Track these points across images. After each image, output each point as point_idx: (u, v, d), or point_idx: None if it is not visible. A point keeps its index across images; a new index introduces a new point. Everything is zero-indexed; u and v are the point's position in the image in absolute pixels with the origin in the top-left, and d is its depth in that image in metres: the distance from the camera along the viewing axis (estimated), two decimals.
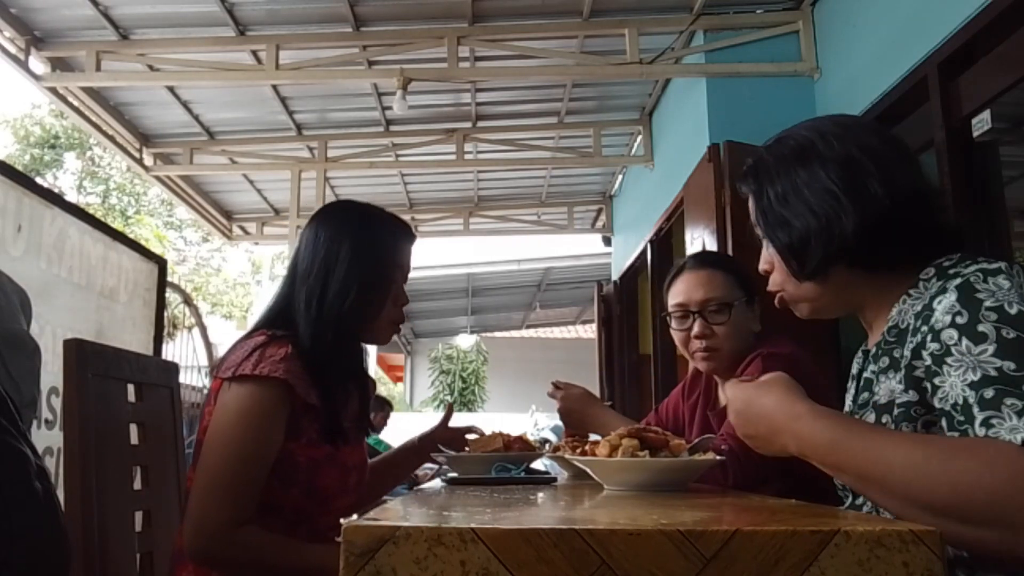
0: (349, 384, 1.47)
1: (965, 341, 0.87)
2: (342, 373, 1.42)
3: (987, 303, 0.88)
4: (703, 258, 1.80)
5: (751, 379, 1.03)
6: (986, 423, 0.83)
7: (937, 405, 0.91)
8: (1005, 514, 0.76)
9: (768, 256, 1.14)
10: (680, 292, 1.71)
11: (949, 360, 0.89)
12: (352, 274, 1.42)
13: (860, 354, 1.15)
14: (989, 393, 0.83)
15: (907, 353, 0.96)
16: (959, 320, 0.89)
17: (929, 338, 0.92)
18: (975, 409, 0.84)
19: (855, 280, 1.05)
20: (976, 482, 0.77)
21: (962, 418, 0.86)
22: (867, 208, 1.00)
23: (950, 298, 0.91)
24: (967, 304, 0.89)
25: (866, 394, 1.05)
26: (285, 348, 1.33)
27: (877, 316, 1.07)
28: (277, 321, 1.43)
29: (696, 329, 1.66)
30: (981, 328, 0.87)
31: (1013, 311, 0.86)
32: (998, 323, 0.86)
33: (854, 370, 1.16)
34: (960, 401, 0.87)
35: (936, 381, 0.91)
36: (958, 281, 0.91)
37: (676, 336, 1.72)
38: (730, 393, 1.04)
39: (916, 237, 1.01)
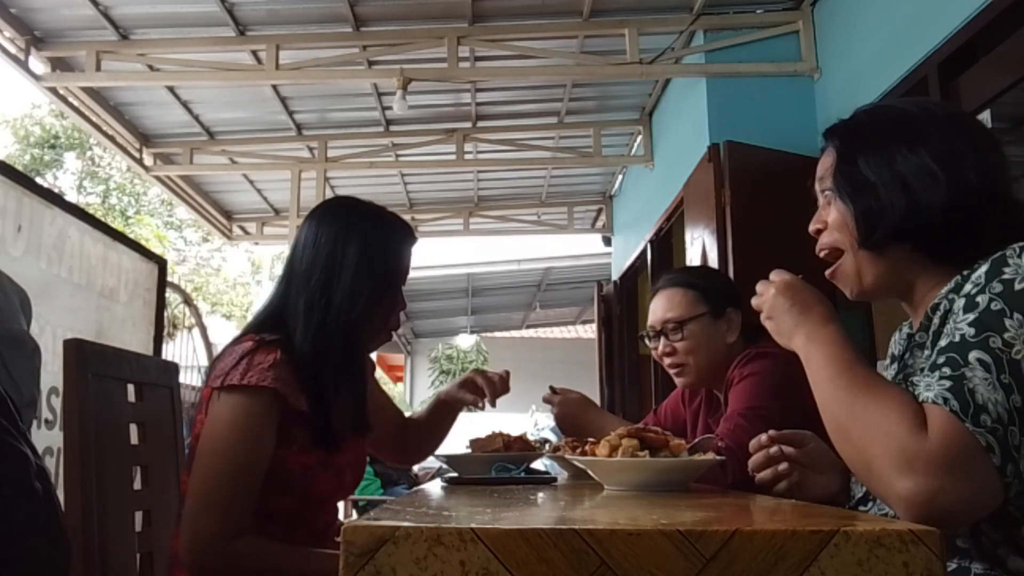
0: (342, 385, 1.42)
1: (962, 310, 0.88)
2: (337, 377, 1.38)
3: (1005, 275, 0.87)
4: (668, 279, 1.84)
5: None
6: (927, 384, 0.85)
7: None
8: (867, 455, 0.84)
9: (823, 216, 1.10)
10: (649, 314, 1.81)
11: (946, 329, 0.90)
12: (360, 279, 1.36)
13: (903, 336, 1.12)
14: (939, 357, 0.86)
15: (936, 322, 0.96)
16: (972, 291, 0.89)
17: (952, 308, 0.92)
18: (927, 369, 0.87)
19: (915, 262, 1.03)
20: (864, 422, 0.85)
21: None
22: (960, 194, 0.98)
23: (982, 268, 0.90)
24: (989, 276, 0.88)
25: (900, 376, 1.06)
26: (273, 354, 1.29)
27: (924, 299, 1.04)
28: (267, 325, 1.38)
29: (659, 349, 1.75)
30: (979, 298, 0.87)
31: (1018, 287, 0.85)
32: (996, 295, 0.86)
33: (894, 350, 1.14)
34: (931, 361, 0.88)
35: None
36: (996, 255, 0.90)
37: (654, 355, 1.81)
38: (780, 276, 1.08)
39: (994, 235, 0.97)
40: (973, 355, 0.83)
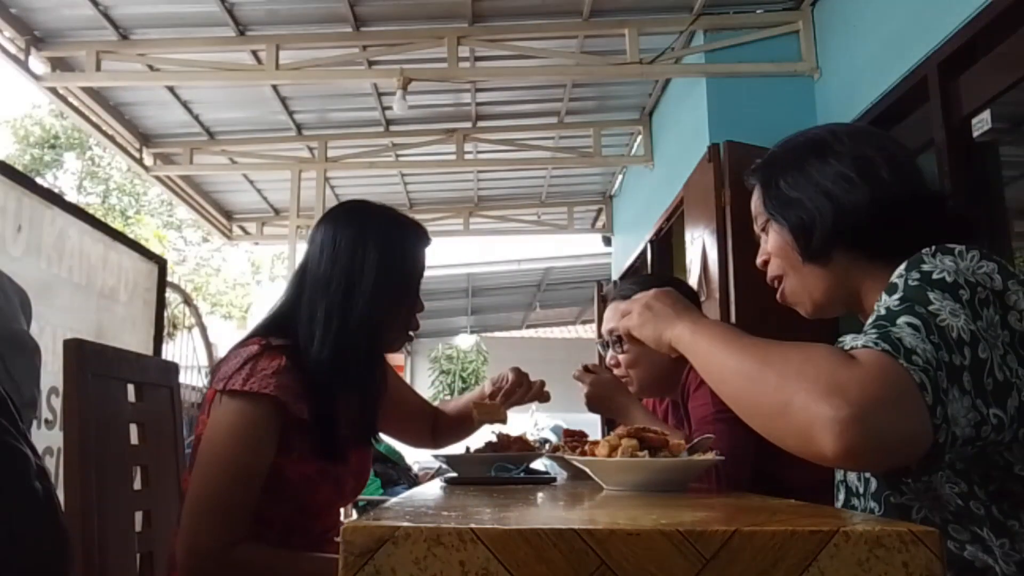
0: (356, 392, 1.40)
1: (884, 296, 0.90)
2: (356, 382, 1.36)
3: (923, 267, 0.89)
4: (616, 290, 1.84)
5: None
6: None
7: None
8: (785, 395, 0.78)
9: (767, 248, 1.15)
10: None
11: (870, 320, 0.90)
12: (381, 284, 1.35)
13: None
14: (868, 328, 0.86)
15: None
16: (893, 281, 0.91)
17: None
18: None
19: (856, 267, 1.06)
20: (784, 365, 0.80)
21: None
22: (879, 190, 1.02)
23: (900, 268, 0.92)
24: (908, 269, 0.91)
25: None
26: (278, 360, 1.27)
27: (871, 308, 1.07)
28: (275, 328, 1.36)
29: (607, 359, 1.77)
30: (896, 281, 0.90)
31: (936, 276, 0.87)
32: (913, 280, 0.88)
33: None
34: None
35: None
36: (913, 257, 0.92)
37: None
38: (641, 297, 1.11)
39: (922, 227, 1.01)
40: (901, 320, 0.83)
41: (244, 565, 1.21)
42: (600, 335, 1.82)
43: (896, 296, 0.88)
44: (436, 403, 1.83)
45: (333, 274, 1.35)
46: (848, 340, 0.84)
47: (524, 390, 1.65)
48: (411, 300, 1.43)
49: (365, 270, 1.34)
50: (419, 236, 1.46)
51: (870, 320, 0.88)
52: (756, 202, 1.17)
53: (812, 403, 0.76)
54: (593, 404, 1.76)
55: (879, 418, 0.74)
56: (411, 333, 1.49)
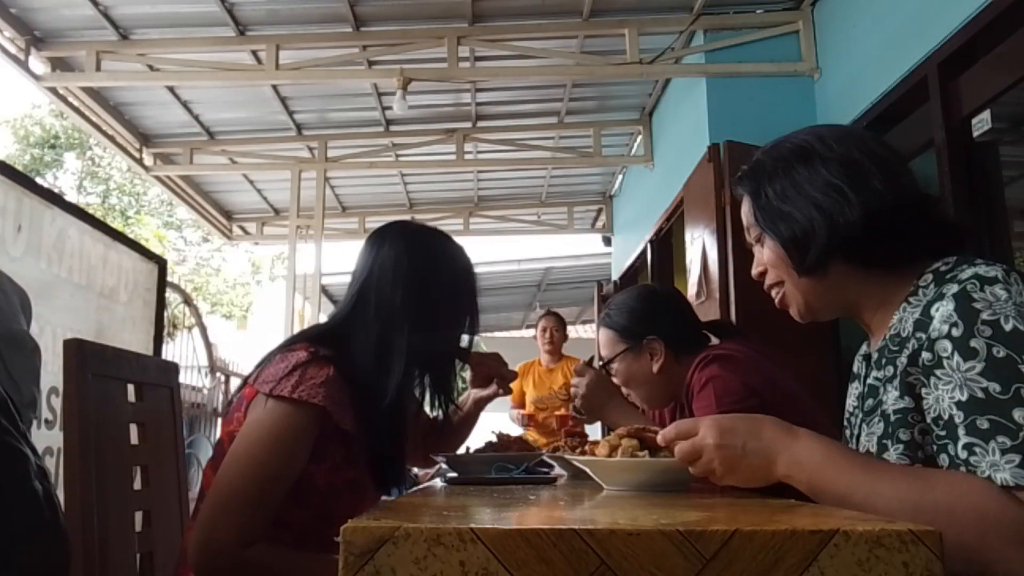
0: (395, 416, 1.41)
1: (956, 356, 0.87)
2: (396, 406, 1.36)
3: (984, 315, 0.87)
4: (601, 315, 1.86)
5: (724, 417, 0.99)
6: (968, 448, 0.84)
7: (926, 416, 0.92)
8: (968, 551, 0.79)
9: (761, 259, 1.14)
10: None
11: (939, 372, 0.89)
12: (446, 322, 1.39)
13: (861, 357, 1.15)
14: (979, 419, 0.84)
15: (904, 360, 0.96)
16: (954, 332, 0.88)
17: (924, 346, 0.92)
18: (960, 431, 0.85)
19: (853, 278, 1.05)
20: (947, 519, 0.80)
21: (943, 434, 0.88)
22: (871, 201, 1.00)
23: (948, 307, 0.90)
24: (964, 315, 0.88)
25: (871, 400, 1.05)
26: (327, 370, 1.27)
27: (875, 319, 1.07)
28: (324, 339, 1.36)
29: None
30: (973, 344, 0.86)
31: (1008, 327, 0.85)
32: (991, 339, 0.86)
33: (856, 369, 1.16)
34: (945, 417, 0.88)
35: (924, 392, 0.92)
36: (955, 289, 0.90)
37: None
38: (703, 426, 0.96)
39: (916, 236, 1.01)
40: (1018, 414, 0.82)
41: (257, 566, 1.21)
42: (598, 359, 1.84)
43: (980, 365, 0.85)
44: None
45: (397, 297, 1.36)
46: (986, 467, 0.82)
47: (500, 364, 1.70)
48: (468, 325, 1.46)
49: (439, 309, 1.38)
50: (470, 264, 1.49)
51: (963, 400, 0.86)
52: (747, 213, 1.15)
53: (996, 552, 0.79)
54: (586, 405, 1.76)
55: None
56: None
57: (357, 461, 1.33)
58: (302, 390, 1.24)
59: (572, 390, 1.78)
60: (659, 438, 1.00)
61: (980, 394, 0.85)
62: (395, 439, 1.40)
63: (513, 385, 1.86)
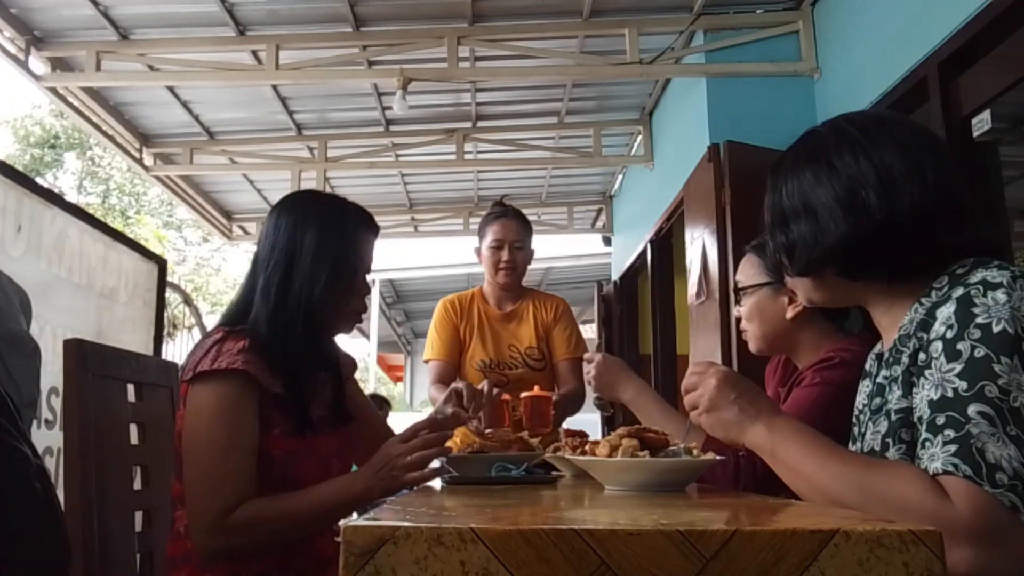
0: (319, 374, 1.47)
1: (943, 357, 0.88)
2: (309, 362, 1.42)
3: (979, 319, 0.87)
4: (751, 243, 1.77)
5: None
6: (923, 443, 0.87)
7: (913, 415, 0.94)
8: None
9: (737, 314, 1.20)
10: None
11: (927, 373, 0.90)
12: (318, 261, 1.40)
13: (874, 355, 1.15)
14: (939, 416, 0.86)
15: (906, 359, 0.96)
16: (948, 334, 0.89)
17: (923, 346, 0.93)
18: (922, 427, 0.88)
19: (848, 284, 1.06)
20: (879, 504, 0.84)
21: (919, 433, 0.90)
22: (858, 224, 0.99)
23: (949, 309, 0.90)
24: (961, 318, 0.89)
25: (879, 399, 1.05)
26: (242, 341, 1.33)
27: (887, 319, 1.06)
28: (236, 317, 1.43)
29: (736, 312, 1.78)
30: (960, 346, 0.87)
31: (997, 329, 0.85)
32: (977, 342, 0.86)
33: (868, 367, 1.16)
34: (923, 415, 0.89)
35: (914, 391, 0.93)
36: (960, 292, 0.91)
37: None
38: (715, 367, 1.07)
39: (911, 254, 0.99)
40: (972, 409, 0.83)
41: (247, 523, 1.23)
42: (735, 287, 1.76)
43: (959, 366, 0.86)
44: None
45: (273, 254, 1.42)
46: (925, 459, 0.84)
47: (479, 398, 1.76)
48: (349, 278, 1.46)
49: (303, 248, 1.41)
50: (361, 219, 1.51)
51: (935, 398, 0.87)
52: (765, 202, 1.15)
53: None
54: (600, 386, 1.69)
55: (991, 564, 0.78)
56: (361, 316, 1.54)
57: (299, 425, 1.36)
58: (221, 361, 1.29)
59: (585, 376, 1.74)
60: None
61: (949, 393, 0.86)
62: (330, 399, 1.47)
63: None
